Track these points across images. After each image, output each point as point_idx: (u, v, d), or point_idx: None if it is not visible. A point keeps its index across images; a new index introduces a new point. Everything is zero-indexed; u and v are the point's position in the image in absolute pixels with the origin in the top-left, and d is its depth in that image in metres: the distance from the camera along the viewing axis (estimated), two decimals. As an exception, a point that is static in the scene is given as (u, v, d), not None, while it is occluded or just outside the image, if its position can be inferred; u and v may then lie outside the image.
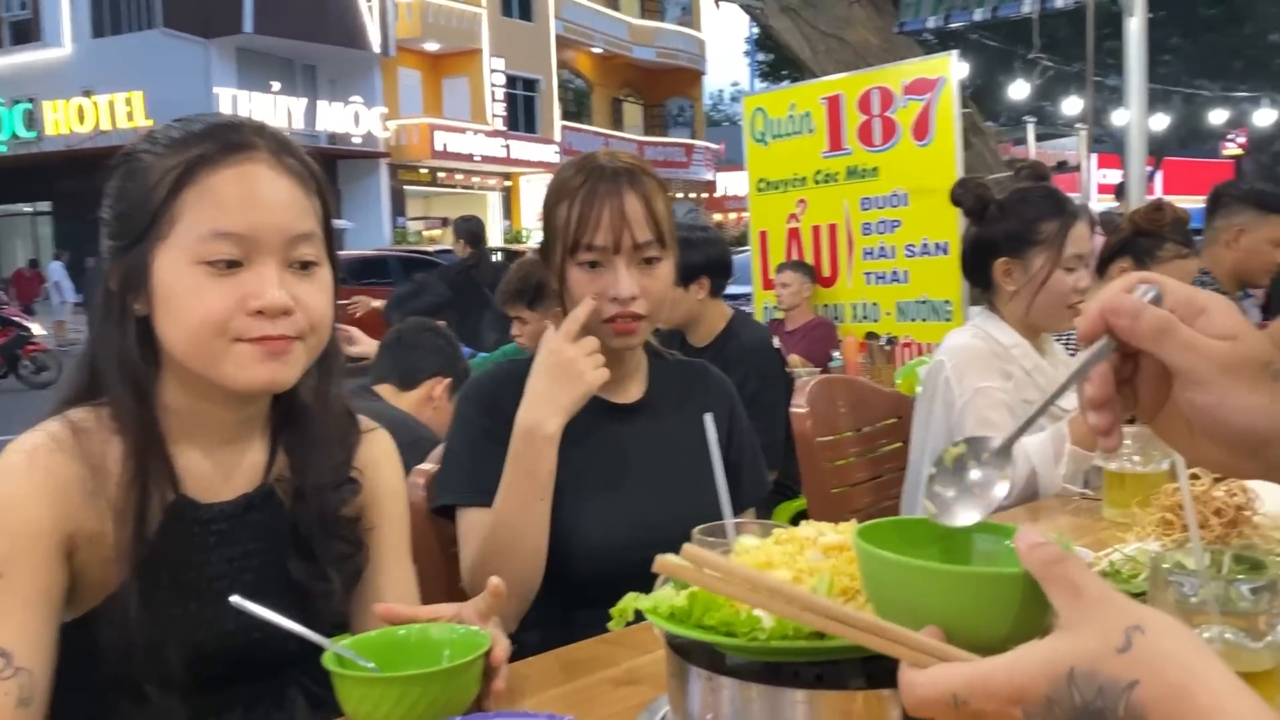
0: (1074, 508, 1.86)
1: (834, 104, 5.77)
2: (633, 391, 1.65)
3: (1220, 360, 0.69)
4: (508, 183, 28.82)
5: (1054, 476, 1.89)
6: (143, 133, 1.22)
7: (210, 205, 1.10)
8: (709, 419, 1.21)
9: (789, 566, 0.83)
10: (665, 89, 33.09)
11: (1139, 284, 0.71)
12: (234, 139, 1.13)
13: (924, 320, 5.60)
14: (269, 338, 1.10)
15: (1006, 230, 2.14)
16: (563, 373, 1.45)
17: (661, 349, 1.71)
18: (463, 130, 26.82)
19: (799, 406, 2.26)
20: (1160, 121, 20.09)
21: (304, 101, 23.81)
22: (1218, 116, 22.51)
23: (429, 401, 2.63)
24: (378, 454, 1.33)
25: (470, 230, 7.17)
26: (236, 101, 21.87)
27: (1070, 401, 2.25)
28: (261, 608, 1.03)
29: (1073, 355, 2.52)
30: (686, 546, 0.76)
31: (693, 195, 30.67)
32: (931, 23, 6.65)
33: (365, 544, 1.28)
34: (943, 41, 11.38)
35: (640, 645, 1.19)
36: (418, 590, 1.37)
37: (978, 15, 6.64)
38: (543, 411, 1.44)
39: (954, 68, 5.36)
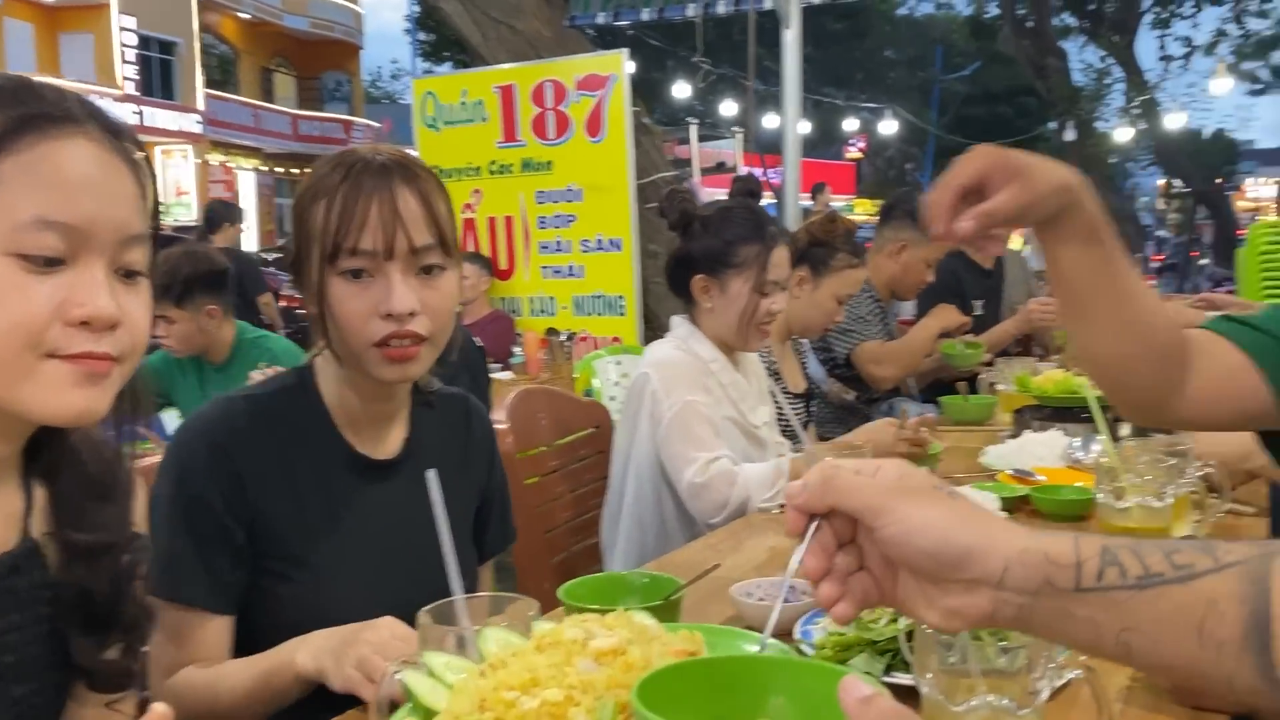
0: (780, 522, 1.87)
1: (507, 94, 5.67)
2: (392, 441, 1.42)
3: (888, 487, 0.72)
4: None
5: (762, 498, 1.91)
6: None
7: (37, 184, 0.85)
8: (432, 476, 1.05)
9: (558, 683, 0.71)
10: (320, 62, 31.48)
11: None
12: (60, 106, 0.88)
13: (600, 315, 5.65)
14: (90, 356, 0.87)
15: (707, 248, 2.14)
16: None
17: (420, 383, 1.46)
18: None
19: (500, 422, 2.13)
20: (804, 126, 21.87)
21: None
22: (848, 123, 24.84)
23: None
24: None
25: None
26: None
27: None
28: None
29: (770, 366, 2.58)
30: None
31: (352, 175, 29.29)
32: (601, 18, 6.71)
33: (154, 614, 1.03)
34: (604, 38, 11.65)
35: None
36: None
37: (645, 15, 6.79)
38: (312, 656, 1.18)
39: (625, 65, 5.43)
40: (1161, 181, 30.37)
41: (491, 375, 4.36)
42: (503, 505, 1.60)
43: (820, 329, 2.91)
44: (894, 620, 1.08)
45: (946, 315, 3.37)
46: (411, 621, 1.05)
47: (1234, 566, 0.66)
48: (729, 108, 18.70)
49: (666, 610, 1.15)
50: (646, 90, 18.41)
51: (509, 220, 5.79)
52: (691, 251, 2.15)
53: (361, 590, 1.31)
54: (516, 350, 4.99)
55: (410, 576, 1.30)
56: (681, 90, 14.28)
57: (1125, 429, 2.29)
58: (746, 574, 1.50)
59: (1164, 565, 0.67)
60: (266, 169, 26.97)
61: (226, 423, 1.31)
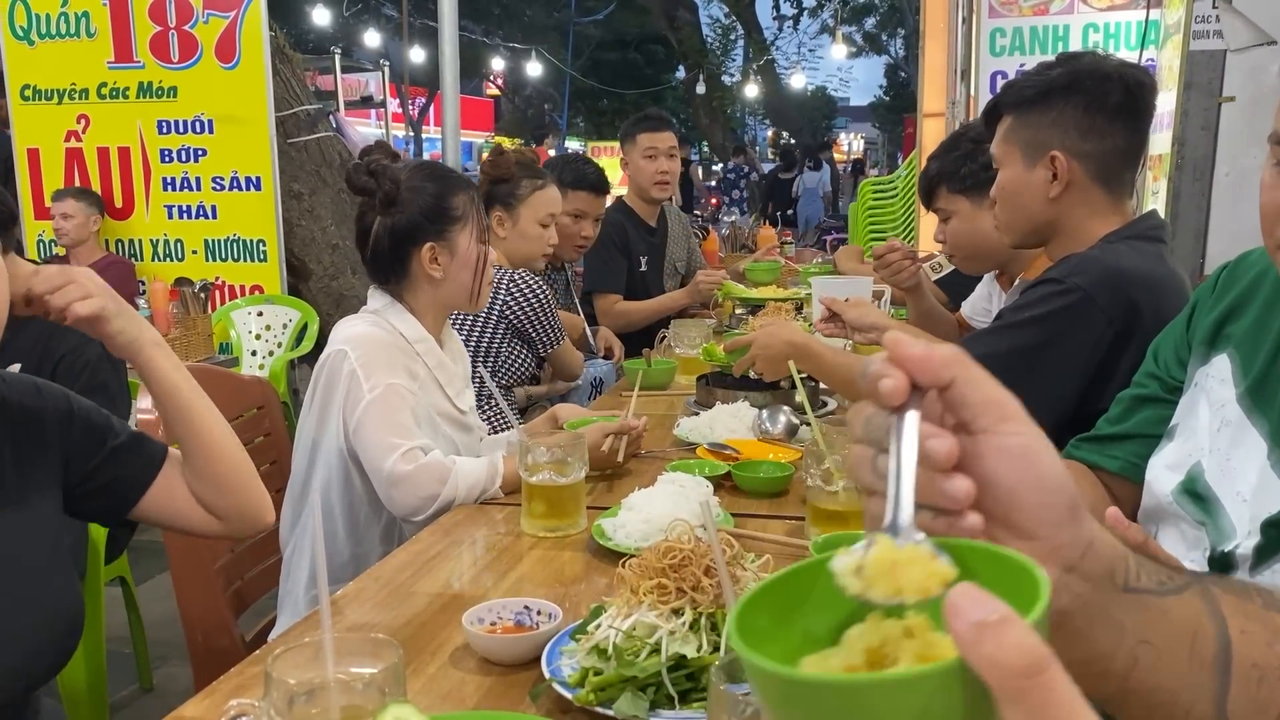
0: (490, 520, 1.75)
1: (120, 8, 4.98)
2: None
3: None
4: None
5: (471, 499, 1.78)
6: None
7: None
8: None
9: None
10: None
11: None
12: None
13: (237, 261, 5.16)
14: None
15: (426, 211, 1.94)
16: None
17: None
18: None
19: (145, 413, 1.82)
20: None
21: None
22: (491, 60, 24.51)
23: None
24: None
25: None
26: None
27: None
28: None
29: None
30: None
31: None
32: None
33: None
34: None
35: None
36: None
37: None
38: None
39: (262, -15, 4.92)
40: (770, 133, 32.93)
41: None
42: (122, 428, 1.36)
43: (541, 255, 2.90)
44: (654, 652, 1.01)
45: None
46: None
47: (1192, 587, 0.63)
48: (372, 38, 17.77)
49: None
50: (284, 15, 17.11)
51: (124, 151, 5.11)
52: (412, 220, 1.94)
53: None
54: (141, 302, 4.41)
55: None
56: (322, 16, 13.28)
57: (831, 403, 2.39)
58: (482, 592, 1.38)
59: (1164, 575, 0.62)
60: None
61: None
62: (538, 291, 2.69)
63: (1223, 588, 0.66)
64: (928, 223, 5.80)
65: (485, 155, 2.92)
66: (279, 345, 4.96)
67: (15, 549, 1.21)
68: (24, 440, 1.27)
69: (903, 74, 27.40)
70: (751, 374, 2.17)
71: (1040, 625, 0.44)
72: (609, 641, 1.03)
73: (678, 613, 1.03)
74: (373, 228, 1.95)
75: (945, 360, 0.55)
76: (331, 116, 5.88)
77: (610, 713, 0.99)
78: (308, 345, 4.85)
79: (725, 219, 11.10)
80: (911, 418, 0.54)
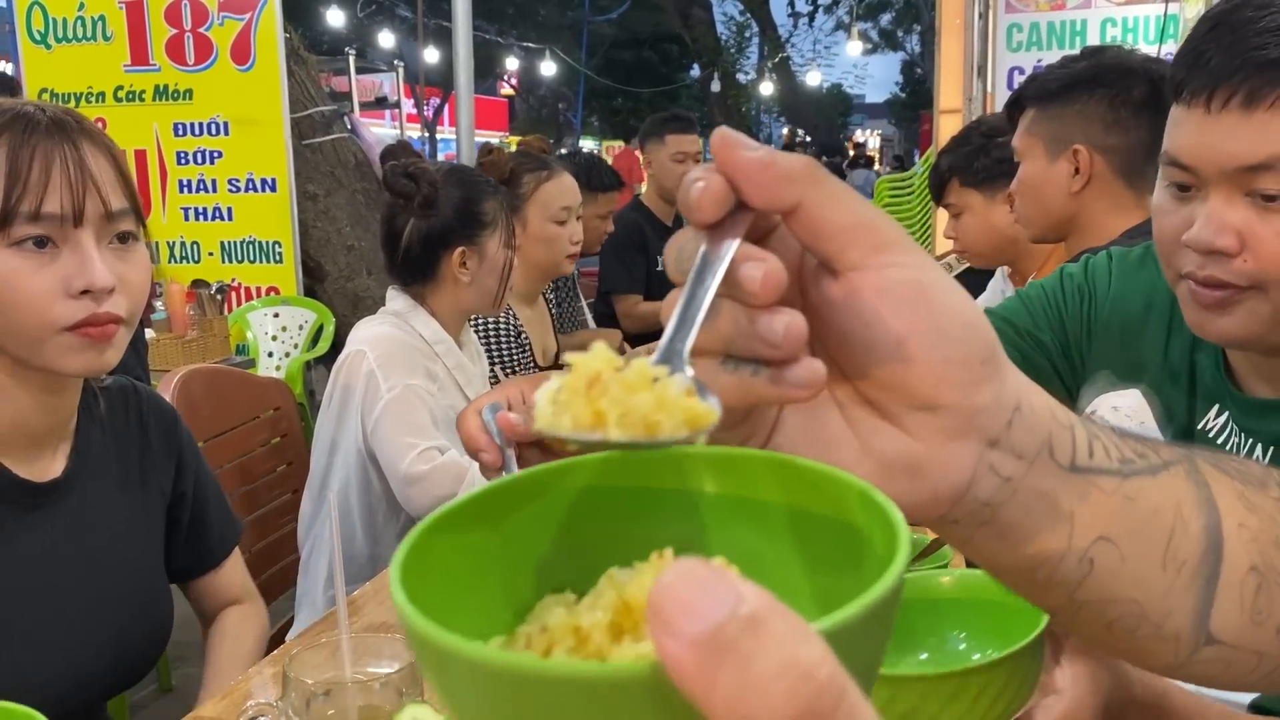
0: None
1: (136, 10, 4.99)
2: (58, 458, 1.17)
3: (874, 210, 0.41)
4: None
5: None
6: None
7: None
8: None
9: None
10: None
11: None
12: None
13: (253, 262, 5.18)
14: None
15: (461, 214, 1.95)
16: None
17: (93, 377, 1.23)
18: None
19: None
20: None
21: None
22: (505, 60, 24.57)
23: None
24: None
25: None
26: None
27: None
28: None
29: (494, 339, 2.39)
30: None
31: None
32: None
33: None
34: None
35: None
36: None
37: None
38: None
39: (276, -13, 4.94)
40: (785, 131, 32.93)
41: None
42: (216, 497, 1.39)
43: (565, 257, 2.53)
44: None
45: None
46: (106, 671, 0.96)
47: (1176, 465, 0.48)
48: (387, 39, 17.86)
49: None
50: (299, 16, 17.20)
51: (141, 154, 5.13)
52: (446, 223, 1.94)
53: (42, 642, 1.10)
54: (158, 305, 4.43)
55: (95, 613, 1.16)
56: (336, 18, 13.35)
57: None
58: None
59: (1131, 450, 0.47)
60: None
61: None
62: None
63: (1219, 466, 0.51)
64: (945, 221, 5.78)
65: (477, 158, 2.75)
66: (295, 346, 4.98)
67: (122, 539, 1.23)
68: (151, 436, 1.30)
69: (919, 70, 27.33)
70: None
71: (852, 634, 0.25)
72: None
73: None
74: (405, 230, 1.95)
75: (788, 173, 0.38)
76: (346, 118, 5.89)
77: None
78: (324, 346, 4.87)
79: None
80: (728, 246, 0.38)
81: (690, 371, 0.36)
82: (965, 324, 0.40)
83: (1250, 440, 0.99)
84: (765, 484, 0.37)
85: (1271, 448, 0.97)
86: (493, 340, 2.37)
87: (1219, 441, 1.02)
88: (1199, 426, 1.04)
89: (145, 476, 1.29)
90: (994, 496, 0.42)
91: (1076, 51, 1.95)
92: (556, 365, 2.55)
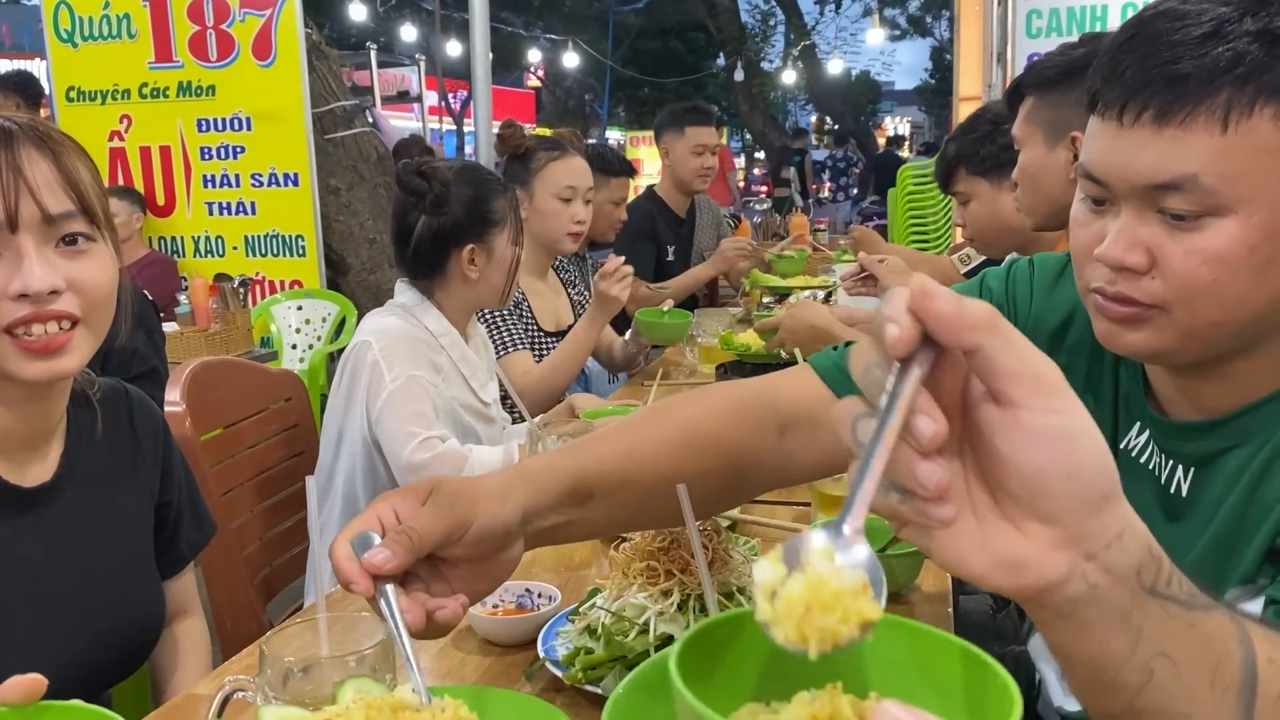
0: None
1: (159, 8, 5.07)
2: (48, 462, 1.21)
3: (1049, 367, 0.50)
4: None
5: None
6: None
7: None
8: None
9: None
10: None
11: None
12: None
13: (276, 256, 5.25)
14: None
15: (470, 212, 2.00)
16: None
17: (78, 381, 1.26)
18: None
19: (174, 404, 1.87)
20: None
21: None
22: (527, 52, 24.62)
23: None
24: None
25: None
26: None
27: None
28: None
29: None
30: None
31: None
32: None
33: None
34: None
35: None
36: None
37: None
38: None
39: (296, -17, 5.00)
40: (814, 118, 32.71)
41: (157, 329, 3.90)
42: (191, 498, 1.43)
43: (564, 234, 2.63)
44: (643, 633, 1.03)
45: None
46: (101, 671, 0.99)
47: (1219, 609, 0.58)
48: (409, 33, 17.93)
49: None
50: (321, 11, 17.31)
51: (165, 150, 5.22)
52: (456, 222, 1.99)
53: (34, 645, 1.14)
54: (182, 298, 4.51)
55: (84, 615, 1.18)
56: (358, 12, 13.44)
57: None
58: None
59: (1191, 587, 0.57)
60: None
61: None
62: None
63: (1247, 616, 0.61)
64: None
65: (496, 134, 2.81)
66: (318, 339, 5.04)
67: (113, 542, 1.26)
68: (141, 438, 1.34)
69: (948, 57, 27.07)
70: (783, 353, 2.22)
71: None
72: (599, 622, 1.05)
73: (666, 594, 1.05)
74: (415, 226, 2.00)
75: (974, 323, 0.47)
76: (368, 112, 5.94)
77: (599, 691, 1.01)
78: (346, 338, 4.92)
79: (830, 204, 11.55)
80: (913, 378, 0.47)
81: (866, 553, 0.48)
82: (1099, 469, 0.50)
83: (1171, 462, 0.95)
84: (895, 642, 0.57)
85: (1193, 469, 0.93)
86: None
87: (1141, 460, 0.98)
88: (1121, 445, 1.00)
89: (136, 477, 1.32)
90: (1079, 596, 0.52)
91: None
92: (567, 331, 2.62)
